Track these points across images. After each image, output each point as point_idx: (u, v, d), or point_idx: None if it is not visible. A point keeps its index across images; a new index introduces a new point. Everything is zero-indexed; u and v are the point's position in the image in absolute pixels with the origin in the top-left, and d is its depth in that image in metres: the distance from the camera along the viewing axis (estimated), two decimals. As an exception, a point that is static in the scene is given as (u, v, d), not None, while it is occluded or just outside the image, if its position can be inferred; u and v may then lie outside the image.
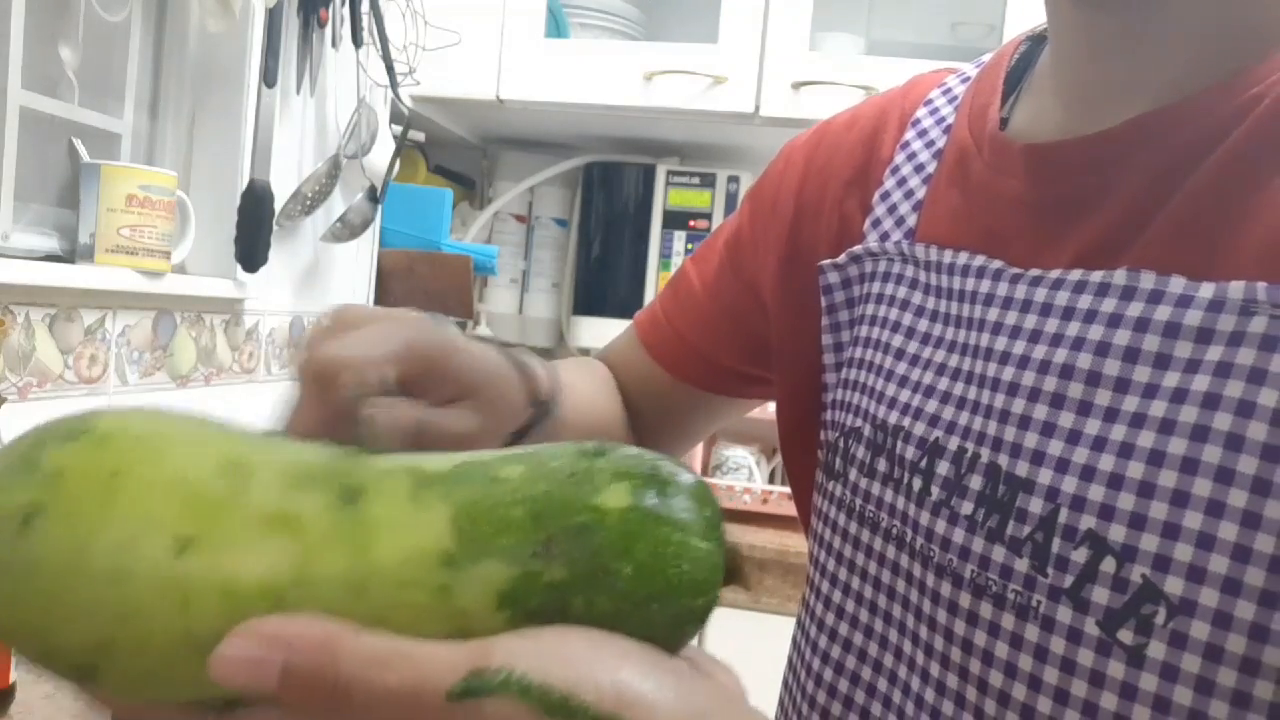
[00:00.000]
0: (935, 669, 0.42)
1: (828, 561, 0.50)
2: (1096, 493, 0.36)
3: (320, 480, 0.28)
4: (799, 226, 0.58)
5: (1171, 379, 0.36)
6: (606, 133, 1.86)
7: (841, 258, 0.53)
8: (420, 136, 1.65)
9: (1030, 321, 0.41)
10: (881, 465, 0.47)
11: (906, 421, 0.46)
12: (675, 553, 0.28)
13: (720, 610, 1.34)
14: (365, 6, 1.36)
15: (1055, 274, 0.41)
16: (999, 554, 0.40)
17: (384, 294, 1.62)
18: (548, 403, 0.50)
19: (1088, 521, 0.36)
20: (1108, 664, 0.35)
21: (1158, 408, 0.36)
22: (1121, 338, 0.37)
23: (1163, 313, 0.37)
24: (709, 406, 0.68)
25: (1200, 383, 0.35)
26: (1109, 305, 0.38)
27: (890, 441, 0.46)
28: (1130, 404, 0.37)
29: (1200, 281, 0.36)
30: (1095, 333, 0.38)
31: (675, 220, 1.89)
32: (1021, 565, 0.39)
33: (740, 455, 1.76)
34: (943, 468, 0.43)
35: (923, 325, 0.47)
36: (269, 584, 0.26)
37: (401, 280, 1.62)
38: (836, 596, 0.48)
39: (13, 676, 0.76)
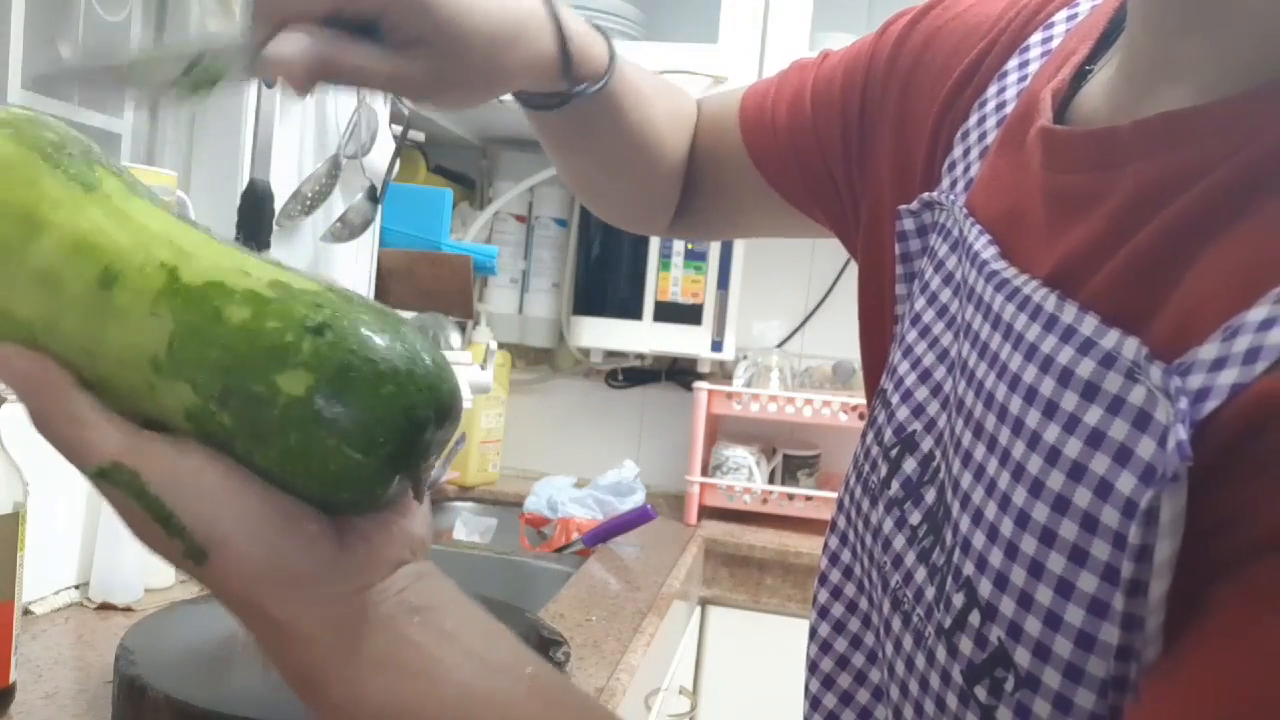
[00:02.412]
0: (884, 662, 0.42)
1: (838, 518, 0.48)
2: (979, 539, 0.35)
3: (95, 256, 0.34)
4: (901, 128, 0.51)
5: (1052, 433, 0.33)
6: (606, 133, 1.86)
7: (915, 204, 0.47)
8: (420, 136, 1.65)
9: (987, 333, 0.38)
10: (870, 437, 0.45)
11: (895, 400, 0.43)
12: (324, 454, 0.32)
13: (720, 610, 1.35)
14: (365, 6, 1.36)
15: (1018, 282, 0.37)
16: (920, 575, 0.39)
17: (384, 294, 1.62)
18: (588, 84, 0.48)
19: (968, 568, 0.35)
20: (966, 714, 0.34)
21: (1034, 463, 0.33)
22: (1029, 374, 0.34)
23: (1065, 354, 0.33)
24: (768, 207, 0.61)
25: (1072, 447, 0.32)
26: (1032, 332, 0.35)
27: (880, 414, 0.44)
28: (1018, 450, 0.34)
29: (1110, 328, 0.32)
30: (1015, 361, 0.35)
31: (675, 220, 1.88)
32: (930, 593, 0.38)
33: (740, 455, 1.76)
34: (909, 465, 0.41)
35: (945, 295, 0.43)
36: (26, 321, 0.34)
37: (401, 280, 1.61)
38: (845, 556, 0.47)
39: (13, 676, 0.76)
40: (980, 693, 0.34)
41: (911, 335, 0.44)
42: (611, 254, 1.92)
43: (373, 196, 1.46)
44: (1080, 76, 0.42)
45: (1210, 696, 0.26)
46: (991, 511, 0.35)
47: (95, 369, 0.33)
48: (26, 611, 0.96)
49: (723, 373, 1.95)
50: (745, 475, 1.75)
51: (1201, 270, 0.31)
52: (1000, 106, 0.45)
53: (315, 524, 0.33)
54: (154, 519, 0.32)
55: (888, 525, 0.42)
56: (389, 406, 0.32)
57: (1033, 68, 0.45)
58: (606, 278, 1.93)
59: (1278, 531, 0.26)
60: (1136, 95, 0.38)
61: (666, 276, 1.88)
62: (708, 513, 1.76)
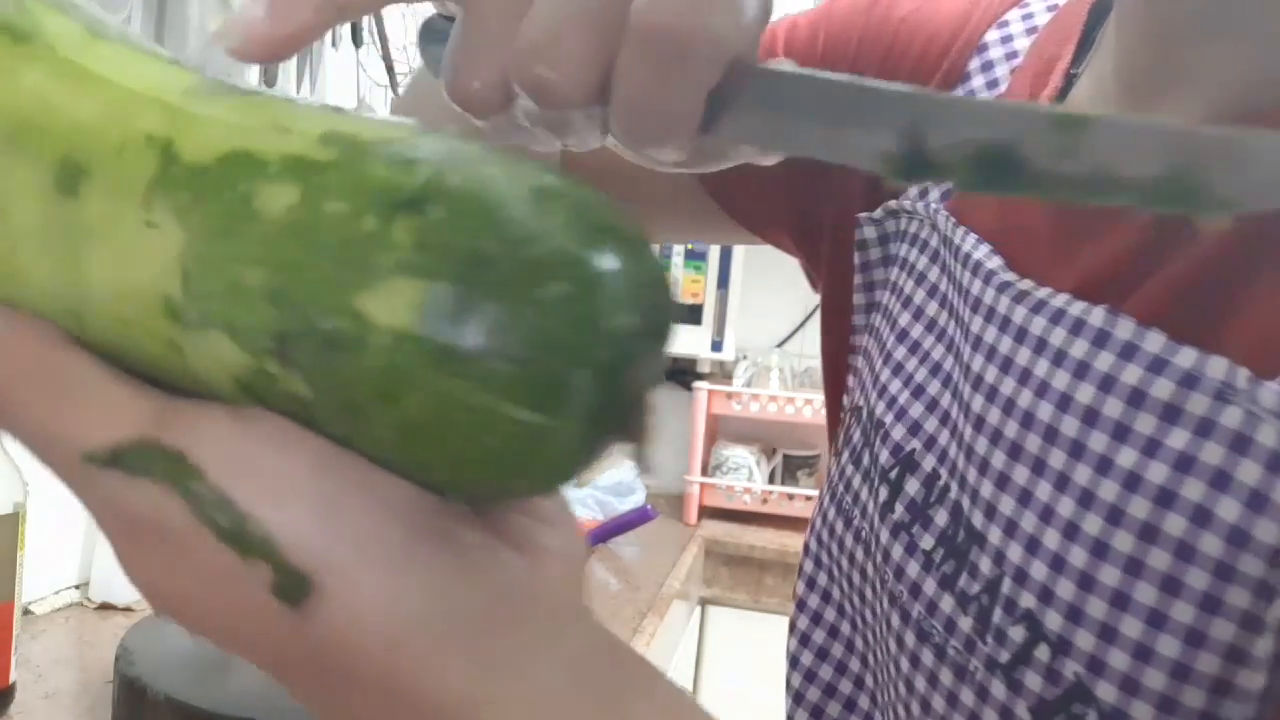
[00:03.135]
0: (889, 694, 0.40)
1: (811, 541, 0.46)
2: (1039, 570, 0.33)
3: (43, 144, 0.21)
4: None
5: (1128, 458, 0.31)
6: (606, 133, 1.86)
7: (879, 212, 0.45)
8: (420, 136, 1.65)
9: (1005, 345, 0.36)
10: (865, 459, 0.43)
11: (889, 419, 0.42)
12: (469, 423, 0.18)
13: (720, 610, 1.34)
14: (365, 6, 1.36)
15: (1041, 294, 0.36)
16: (947, 604, 0.37)
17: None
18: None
19: (1027, 600, 0.33)
20: None
21: (1108, 489, 0.32)
22: (1084, 394, 0.33)
23: (1131, 374, 0.32)
24: (705, 217, 0.53)
25: (1157, 472, 0.31)
26: (1080, 349, 0.33)
27: (873, 436, 0.42)
28: (1082, 475, 0.32)
29: (1181, 345, 0.31)
30: (1061, 379, 0.34)
31: (675, 220, 1.88)
32: (965, 624, 0.36)
33: (740, 455, 1.76)
34: (911, 486, 0.39)
35: (931, 309, 0.42)
36: None
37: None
38: (821, 579, 0.46)
39: (13, 676, 0.76)
40: None
41: (900, 351, 0.43)
42: (611, 254, 1.92)
43: (373, 196, 1.47)
44: (1066, 83, 0.41)
45: None
46: (1053, 541, 0.33)
47: (84, 331, 0.21)
48: (26, 611, 0.96)
49: (722, 372, 1.95)
50: (745, 475, 1.75)
51: (1272, 285, 0.31)
52: (971, 95, 0.44)
53: (475, 532, 0.20)
54: (214, 530, 0.19)
55: (897, 551, 0.39)
56: (568, 318, 0.18)
57: (1000, 70, 0.44)
58: (606, 278, 1.93)
59: None
60: (1139, 105, 0.37)
61: (666, 276, 1.88)
62: (708, 513, 1.76)
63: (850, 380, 0.47)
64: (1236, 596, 0.29)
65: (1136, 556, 0.31)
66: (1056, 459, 0.33)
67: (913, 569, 0.38)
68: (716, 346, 1.86)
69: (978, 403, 0.37)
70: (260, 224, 0.19)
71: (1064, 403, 0.33)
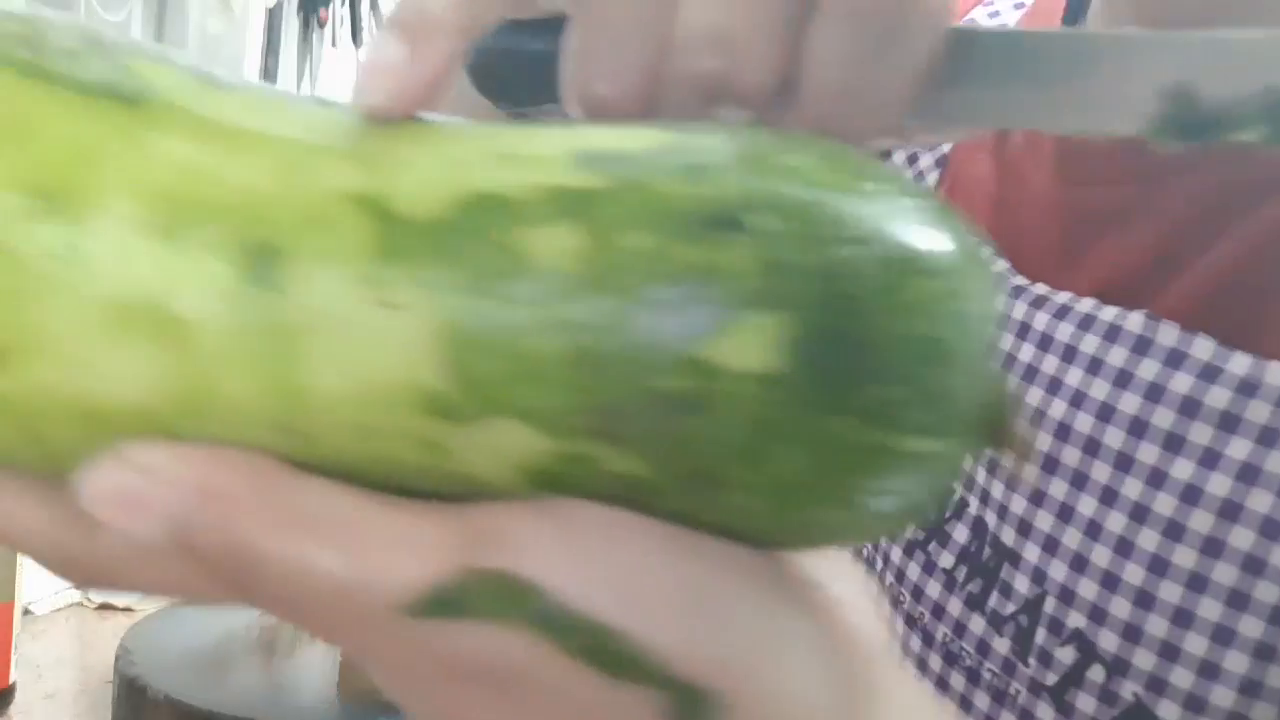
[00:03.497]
0: None
1: None
2: (1088, 589, 0.31)
3: (214, 215, 0.16)
4: None
5: (1183, 469, 0.30)
6: (606, 133, 1.86)
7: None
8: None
9: (1028, 353, 0.35)
10: None
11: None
12: (856, 464, 0.15)
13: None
14: (365, 6, 1.36)
15: (1063, 298, 0.34)
16: (977, 625, 0.35)
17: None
18: None
19: (1076, 619, 0.32)
20: None
21: (1164, 503, 0.30)
22: (1129, 403, 0.31)
23: (1181, 382, 0.30)
24: None
25: (1218, 484, 0.29)
26: (1118, 357, 0.31)
27: None
28: (1132, 489, 0.31)
29: (1232, 350, 0.29)
30: (1099, 389, 0.32)
31: (675, 220, 1.89)
32: (1001, 646, 0.34)
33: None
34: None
35: None
36: (148, 413, 0.16)
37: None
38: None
39: (12, 676, 0.76)
40: None
41: None
42: (611, 254, 1.92)
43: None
44: None
45: None
46: (1103, 558, 0.31)
47: (310, 454, 0.16)
48: (26, 611, 0.96)
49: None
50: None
51: None
52: None
53: (825, 595, 0.18)
54: (577, 658, 0.15)
55: (914, 570, 0.37)
56: (943, 319, 0.15)
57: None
58: (606, 278, 1.93)
59: None
60: None
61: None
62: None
63: None
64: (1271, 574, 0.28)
65: (1200, 572, 0.30)
66: (1100, 472, 0.32)
67: (933, 589, 0.36)
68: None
69: None
70: (540, 278, 0.15)
71: (1105, 413, 0.32)
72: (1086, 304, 0.33)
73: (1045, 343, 0.34)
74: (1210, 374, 0.30)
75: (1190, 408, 0.30)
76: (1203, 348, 0.30)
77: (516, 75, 0.24)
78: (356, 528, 0.16)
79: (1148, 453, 0.31)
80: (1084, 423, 0.32)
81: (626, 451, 0.15)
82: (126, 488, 0.15)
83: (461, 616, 0.15)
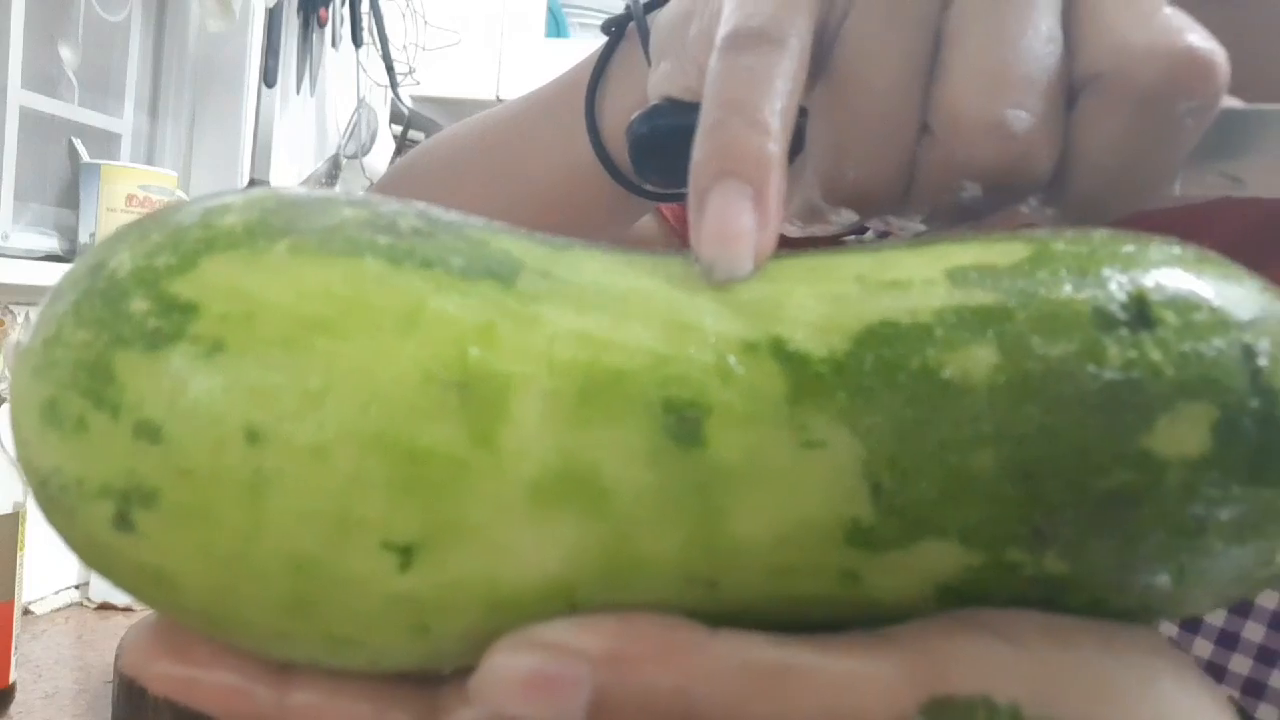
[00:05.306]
0: None
1: None
2: None
3: (624, 391, 0.16)
4: None
5: None
6: (606, 133, 1.86)
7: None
8: (420, 136, 1.65)
9: None
10: None
11: None
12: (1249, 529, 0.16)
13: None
14: (365, 6, 1.36)
15: None
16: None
17: (384, 294, 1.62)
18: None
19: None
20: None
21: None
22: None
23: None
24: None
25: None
26: None
27: None
28: None
29: None
30: None
31: (675, 220, 1.88)
32: None
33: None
34: None
35: None
36: (555, 589, 0.16)
37: (401, 280, 1.62)
38: None
39: (12, 676, 0.76)
40: None
41: None
42: (611, 254, 1.92)
43: (373, 196, 1.47)
44: None
45: None
46: None
47: (720, 602, 0.16)
48: (26, 611, 0.96)
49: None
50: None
51: None
52: None
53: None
54: None
55: None
56: None
57: None
58: (606, 278, 1.93)
59: None
60: None
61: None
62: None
63: None
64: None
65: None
66: None
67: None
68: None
69: None
70: (963, 398, 0.15)
71: None
72: None
73: None
74: None
75: None
76: None
77: (679, 154, 0.22)
78: (803, 675, 0.15)
79: None
80: None
81: (1059, 553, 0.16)
82: (539, 670, 0.15)
83: None
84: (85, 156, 1.08)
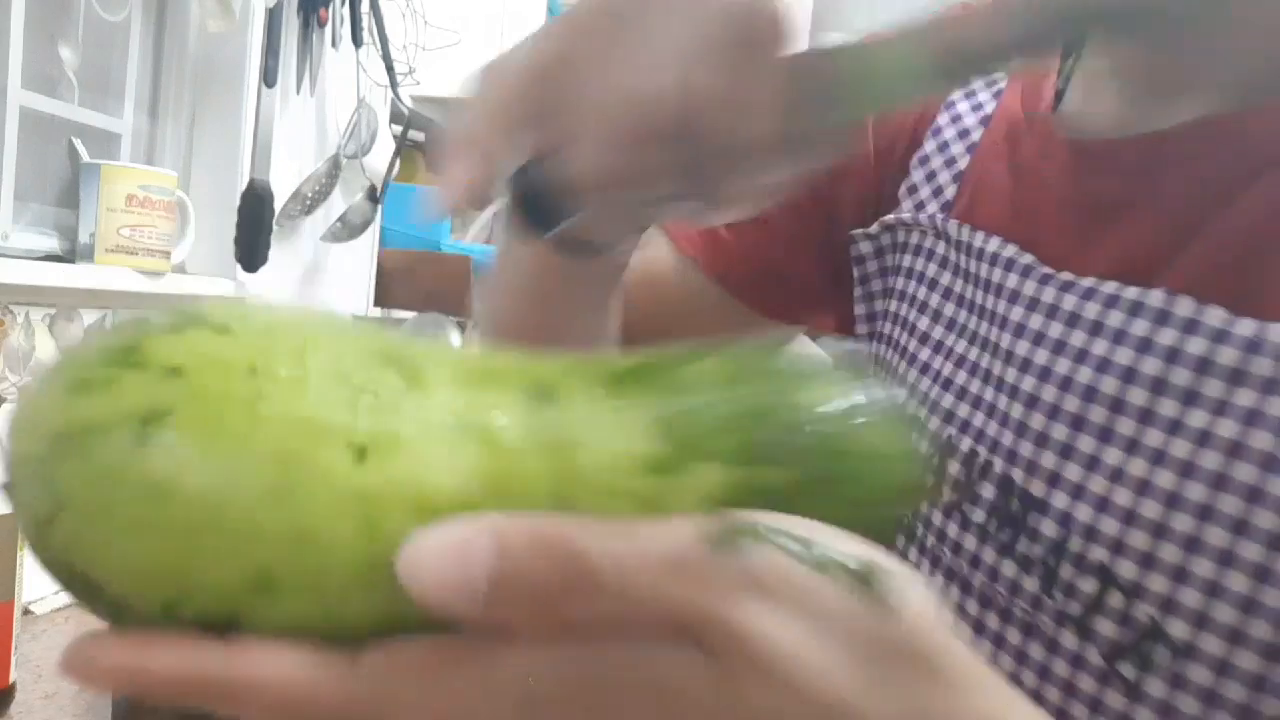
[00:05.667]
0: None
1: None
2: (1110, 526, 0.36)
3: (502, 378, 0.24)
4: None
5: (1198, 418, 0.34)
6: (606, 133, 1.86)
7: (874, 228, 0.49)
8: (420, 136, 1.65)
9: (1056, 330, 0.39)
10: None
11: (921, 414, 0.45)
12: (888, 476, 0.24)
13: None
14: (365, 6, 1.36)
15: (1088, 282, 0.38)
16: (1009, 569, 0.39)
17: (384, 294, 1.62)
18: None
19: (1098, 553, 0.36)
20: (1106, 693, 0.36)
21: (1180, 447, 0.35)
22: (1151, 366, 0.36)
23: (1196, 345, 0.35)
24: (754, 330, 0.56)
25: (1226, 428, 0.34)
26: (1140, 328, 0.36)
27: None
28: (1153, 438, 0.35)
29: (1239, 317, 0.34)
30: (1123, 356, 0.36)
31: (675, 220, 1.88)
32: (1030, 584, 0.38)
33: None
34: (953, 468, 0.42)
35: (949, 310, 0.45)
36: (463, 496, 0.21)
37: (401, 280, 1.61)
38: None
39: (12, 676, 0.76)
40: (1127, 669, 0.35)
41: (925, 353, 0.46)
42: (611, 254, 1.92)
43: (373, 196, 1.46)
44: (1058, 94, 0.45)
45: None
46: (1124, 498, 0.36)
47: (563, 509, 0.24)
48: (26, 611, 0.96)
49: (723, 373, 1.94)
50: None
51: None
52: (963, 133, 0.47)
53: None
54: (809, 564, 0.21)
55: (953, 529, 0.42)
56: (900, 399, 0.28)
57: (983, 94, 0.48)
58: (606, 278, 1.93)
59: None
60: (1148, 109, 0.39)
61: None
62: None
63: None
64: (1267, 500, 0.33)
65: (1208, 503, 0.34)
66: (1125, 426, 0.36)
67: (970, 542, 0.41)
68: (717, 346, 1.86)
69: (1030, 384, 0.40)
70: (705, 382, 0.24)
71: (1129, 375, 0.36)
72: (1110, 286, 0.38)
73: (1073, 320, 0.38)
74: (1221, 337, 0.34)
75: (1204, 366, 0.35)
76: (1215, 315, 0.35)
77: (545, 203, 0.32)
78: (636, 528, 0.20)
79: (1168, 406, 0.35)
80: (1110, 385, 0.37)
81: (780, 469, 0.23)
82: (452, 538, 0.19)
83: (741, 545, 0.20)
84: (85, 156, 1.08)
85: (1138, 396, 0.36)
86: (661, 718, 0.19)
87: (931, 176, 0.48)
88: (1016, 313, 0.41)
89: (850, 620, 0.20)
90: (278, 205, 1.26)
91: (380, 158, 1.46)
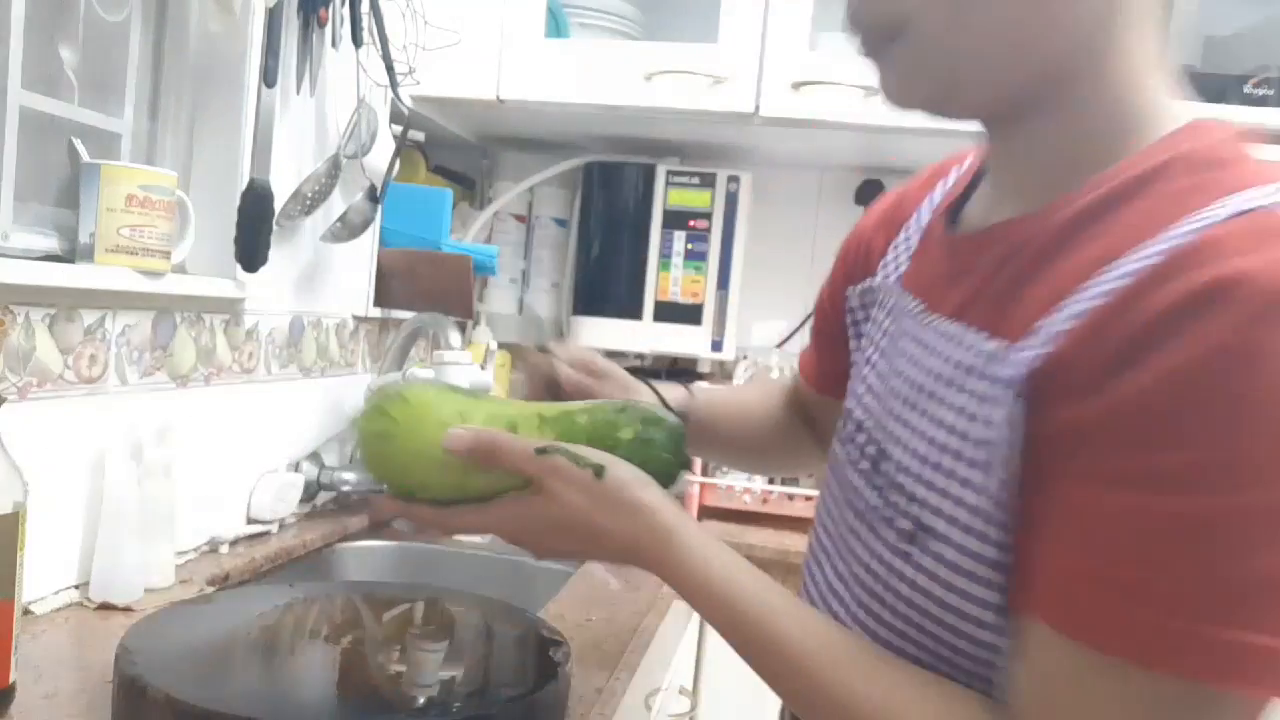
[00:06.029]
0: (839, 552, 0.66)
1: (821, 487, 0.74)
2: (913, 464, 0.57)
3: (501, 420, 0.72)
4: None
5: (954, 397, 0.55)
6: (606, 132, 1.86)
7: (860, 288, 0.77)
8: (420, 136, 1.65)
9: (911, 348, 0.62)
10: (842, 432, 0.70)
11: (852, 404, 0.70)
12: (653, 459, 0.70)
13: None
14: (365, 6, 1.36)
15: (934, 318, 0.61)
16: (869, 493, 0.62)
17: (384, 294, 1.62)
18: (686, 406, 0.93)
19: (905, 479, 0.58)
20: (896, 561, 0.58)
21: (945, 413, 0.56)
22: (943, 367, 0.57)
23: (963, 355, 0.56)
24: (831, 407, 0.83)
25: (962, 399, 0.55)
26: (942, 345, 0.58)
27: (847, 420, 0.70)
28: (933, 408, 0.57)
29: (990, 340, 0.54)
30: (932, 362, 0.59)
31: (675, 220, 1.88)
32: (873, 498, 0.61)
33: (740, 455, 1.76)
34: (860, 438, 0.66)
35: (884, 343, 0.68)
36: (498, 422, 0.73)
37: (401, 280, 1.61)
38: (820, 507, 0.72)
39: (13, 676, 0.76)
40: (908, 549, 0.57)
41: (865, 370, 0.70)
42: (611, 254, 1.92)
43: (373, 196, 1.46)
44: (965, 195, 0.68)
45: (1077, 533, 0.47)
46: (922, 447, 0.57)
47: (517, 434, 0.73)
48: (26, 611, 0.96)
49: (723, 373, 1.95)
50: (745, 475, 1.75)
51: (1028, 298, 0.53)
52: (920, 225, 0.71)
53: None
54: (581, 465, 0.66)
55: (850, 474, 0.66)
56: (676, 427, 0.74)
57: (937, 197, 0.72)
58: (606, 278, 1.93)
59: (1084, 430, 0.47)
60: (992, 208, 0.61)
61: (666, 276, 1.88)
62: (708, 512, 1.76)
63: (848, 398, 0.72)
64: (998, 468, 0.51)
65: (954, 447, 0.54)
66: (924, 401, 0.58)
67: (857, 479, 0.64)
68: (716, 346, 1.86)
69: (897, 384, 0.63)
70: (579, 422, 0.73)
71: (929, 372, 0.59)
72: (942, 320, 0.60)
73: (923, 344, 0.61)
74: (971, 347, 0.55)
75: (962, 367, 0.55)
76: (972, 337, 0.55)
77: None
78: (512, 440, 0.70)
79: (943, 390, 0.57)
80: (928, 381, 0.59)
81: (609, 446, 0.72)
82: (460, 433, 0.70)
83: (549, 454, 0.67)
84: (85, 156, 1.08)
85: (932, 384, 0.58)
86: (544, 521, 0.67)
87: (897, 256, 0.72)
88: (902, 341, 0.64)
89: (588, 483, 0.66)
90: (278, 205, 1.26)
91: (380, 158, 1.46)
